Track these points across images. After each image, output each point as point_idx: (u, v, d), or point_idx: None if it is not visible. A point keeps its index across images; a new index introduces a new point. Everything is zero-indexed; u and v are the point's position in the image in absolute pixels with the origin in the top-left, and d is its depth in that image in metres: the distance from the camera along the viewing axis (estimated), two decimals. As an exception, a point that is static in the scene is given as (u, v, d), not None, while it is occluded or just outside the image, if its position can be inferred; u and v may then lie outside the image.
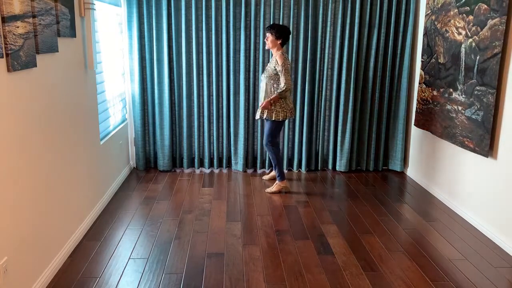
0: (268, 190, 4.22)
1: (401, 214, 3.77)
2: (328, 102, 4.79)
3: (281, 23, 4.54)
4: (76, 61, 3.19)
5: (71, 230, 3.05)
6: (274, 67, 3.94)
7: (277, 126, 4.07)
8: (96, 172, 3.61)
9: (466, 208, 3.69)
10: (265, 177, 4.62)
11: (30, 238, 2.43)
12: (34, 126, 2.49)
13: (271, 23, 4.34)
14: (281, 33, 3.96)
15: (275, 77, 3.97)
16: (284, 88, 3.89)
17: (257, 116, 4.08)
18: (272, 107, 3.99)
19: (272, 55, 4.16)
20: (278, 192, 4.20)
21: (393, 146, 4.92)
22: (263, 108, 3.98)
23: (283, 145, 4.86)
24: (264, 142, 4.15)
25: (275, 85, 3.99)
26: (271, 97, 3.94)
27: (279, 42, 3.97)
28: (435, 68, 4.12)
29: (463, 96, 3.65)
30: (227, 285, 2.64)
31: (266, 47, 4.05)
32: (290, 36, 4.54)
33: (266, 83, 4.01)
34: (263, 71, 4.46)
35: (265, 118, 4.03)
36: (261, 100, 4.08)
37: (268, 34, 3.99)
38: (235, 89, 4.69)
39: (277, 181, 4.21)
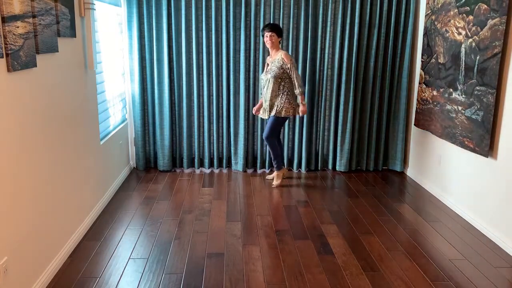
0: (274, 183, 4.37)
1: (401, 214, 3.77)
2: (328, 102, 4.79)
3: (281, 23, 4.55)
4: (76, 61, 3.19)
5: (71, 230, 3.05)
6: (281, 66, 4.03)
7: (282, 122, 4.21)
8: (96, 172, 3.61)
9: (466, 208, 3.69)
10: (269, 176, 4.63)
11: (30, 238, 2.43)
12: (34, 126, 2.49)
13: (270, 23, 4.35)
14: (281, 32, 4.15)
15: (282, 75, 4.07)
16: (303, 88, 4.09)
17: (266, 116, 4.25)
18: (282, 103, 4.12)
19: (268, 54, 4.24)
20: (282, 181, 4.43)
21: (393, 146, 4.92)
22: (304, 113, 4.19)
23: (283, 145, 4.86)
24: (265, 136, 4.25)
25: (282, 83, 4.11)
26: (302, 100, 4.13)
27: (279, 40, 4.13)
28: (435, 68, 4.12)
29: (463, 96, 3.65)
30: (227, 285, 2.64)
31: (269, 46, 4.11)
32: (290, 36, 4.57)
33: (274, 83, 4.09)
34: (263, 71, 4.46)
35: (274, 115, 4.15)
36: (268, 100, 4.16)
37: (272, 33, 4.06)
38: (235, 89, 4.69)
39: (276, 172, 4.37)
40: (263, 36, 4.14)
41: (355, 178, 4.72)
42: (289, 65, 4.02)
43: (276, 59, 4.08)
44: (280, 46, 4.18)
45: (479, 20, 3.43)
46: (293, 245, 3.16)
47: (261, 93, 4.35)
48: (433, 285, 2.69)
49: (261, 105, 4.38)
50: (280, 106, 4.12)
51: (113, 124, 4.29)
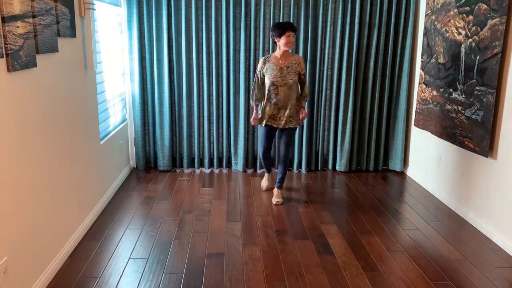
0: (280, 201, 3.94)
1: (401, 214, 3.77)
2: (328, 102, 4.79)
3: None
4: (76, 61, 3.19)
5: (71, 230, 3.05)
6: (298, 71, 3.75)
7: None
8: (96, 172, 3.61)
9: (466, 208, 3.69)
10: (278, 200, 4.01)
11: (30, 238, 2.43)
12: (34, 126, 2.49)
13: (290, 22, 3.89)
14: None
15: (297, 81, 3.78)
16: (308, 97, 3.86)
17: (287, 125, 3.81)
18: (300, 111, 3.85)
19: (276, 53, 3.77)
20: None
21: (393, 146, 4.92)
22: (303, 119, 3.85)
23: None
24: (285, 154, 3.88)
25: (297, 89, 3.81)
26: (304, 110, 3.83)
27: None
28: (435, 68, 4.13)
29: (463, 96, 3.65)
30: (227, 285, 2.64)
31: (290, 48, 3.69)
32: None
33: (293, 89, 3.76)
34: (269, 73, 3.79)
35: (293, 126, 3.83)
36: (288, 109, 3.76)
37: (292, 33, 3.65)
38: (235, 89, 4.69)
39: (280, 190, 4.00)
40: (280, 36, 3.64)
41: (355, 178, 4.72)
42: (304, 71, 3.79)
43: (291, 63, 3.73)
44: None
45: (479, 20, 3.43)
46: (293, 245, 3.16)
47: (254, 100, 3.89)
48: (433, 285, 2.69)
49: (258, 114, 3.94)
50: (300, 115, 3.83)
51: (113, 124, 4.29)
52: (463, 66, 3.64)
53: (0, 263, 2.12)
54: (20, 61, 2.25)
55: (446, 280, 2.75)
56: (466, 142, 3.60)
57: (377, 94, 4.74)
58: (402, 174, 4.87)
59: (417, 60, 4.61)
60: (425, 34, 4.34)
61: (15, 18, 2.18)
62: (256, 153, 4.90)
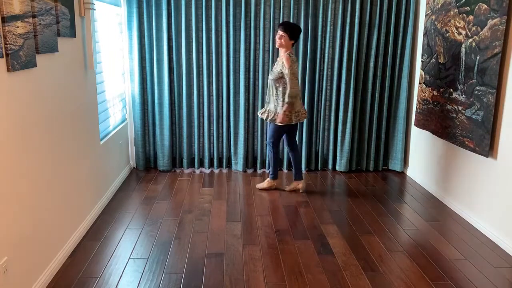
0: (259, 185, 4.32)
1: (401, 214, 3.77)
2: (328, 102, 4.79)
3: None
4: (76, 61, 3.19)
5: (71, 230, 3.05)
6: (281, 70, 3.81)
7: (279, 129, 4.01)
8: (96, 172, 3.61)
9: (466, 208, 3.69)
10: (260, 185, 4.35)
11: (30, 238, 2.43)
12: (34, 126, 2.49)
13: (286, 21, 3.91)
14: (296, 35, 3.85)
15: (280, 80, 3.83)
16: (288, 99, 3.76)
17: (263, 116, 4.07)
18: (277, 112, 3.91)
19: (278, 55, 4.06)
20: (267, 188, 4.28)
21: (393, 146, 4.92)
22: (282, 122, 3.85)
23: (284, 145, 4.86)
24: (267, 141, 4.20)
25: (280, 88, 3.86)
26: (284, 109, 3.81)
27: (291, 42, 3.84)
28: (435, 68, 4.13)
29: (463, 96, 3.65)
30: (227, 285, 2.64)
31: (277, 46, 3.85)
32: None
33: (272, 86, 3.93)
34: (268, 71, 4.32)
35: (269, 121, 4.02)
36: (266, 103, 4.07)
37: (282, 33, 3.79)
38: (235, 89, 4.69)
39: (268, 178, 4.29)
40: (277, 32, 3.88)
41: (355, 178, 4.72)
42: (287, 71, 3.74)
43: (279, 60, 3.89)
44: (292, 48, 3.88)
45: (479, 20, 3.43)
46: (293, 245, 3.16)
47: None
48: (433, 285, 2.69)
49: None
50: (274, 113, 3.95)
51: (113, 124, 4.29)
52: (463, 66, 3.64)
53: (0, 263, 2.12)
54: (20, 61, 2.25)
55: (446, 280, 2.75)
56: (466, 142, 3.60)
57: (377, 94, 4.74)
58: (402, 174, 4.87)
59: (417, 60, 4.61)
60: (425, 34, 4.34)
61: (15, 18, 2.18)
62: (256, 153, 4.90)
